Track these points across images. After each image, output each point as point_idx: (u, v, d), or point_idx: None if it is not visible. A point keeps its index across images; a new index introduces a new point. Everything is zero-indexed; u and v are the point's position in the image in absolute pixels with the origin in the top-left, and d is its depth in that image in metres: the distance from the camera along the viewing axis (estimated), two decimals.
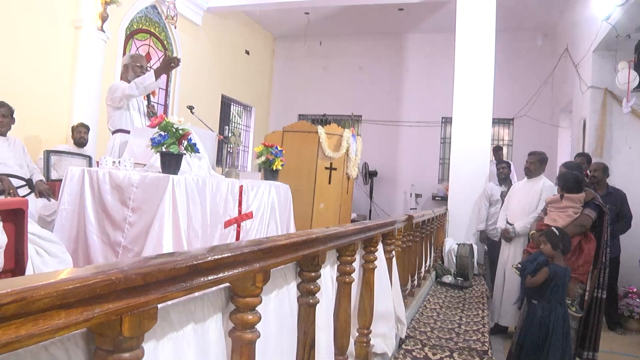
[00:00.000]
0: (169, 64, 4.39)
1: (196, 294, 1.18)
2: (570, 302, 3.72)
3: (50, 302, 0.68)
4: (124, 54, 7.20)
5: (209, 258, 1.06)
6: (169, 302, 1.08)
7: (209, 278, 1.08)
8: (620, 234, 5.43)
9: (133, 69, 4.44)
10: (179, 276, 0.97)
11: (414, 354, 3.21)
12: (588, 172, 5.46)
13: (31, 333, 0.66)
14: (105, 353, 0.87)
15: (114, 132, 4.41)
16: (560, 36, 9.41)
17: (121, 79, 4.49)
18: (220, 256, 1.10)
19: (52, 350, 0.82)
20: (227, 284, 1.31)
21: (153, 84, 4.22)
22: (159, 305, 0.96)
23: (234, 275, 1.19)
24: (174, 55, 8.69)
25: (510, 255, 5.07)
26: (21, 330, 0.65)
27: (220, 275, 1.12)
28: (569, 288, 3.70)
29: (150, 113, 4.61)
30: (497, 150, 8.20)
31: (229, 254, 1.14)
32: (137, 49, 7.85)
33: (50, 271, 0.80)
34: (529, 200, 5.04)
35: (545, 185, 5.03)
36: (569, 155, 8.02)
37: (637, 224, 5.65)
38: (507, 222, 5.20)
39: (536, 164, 5.13)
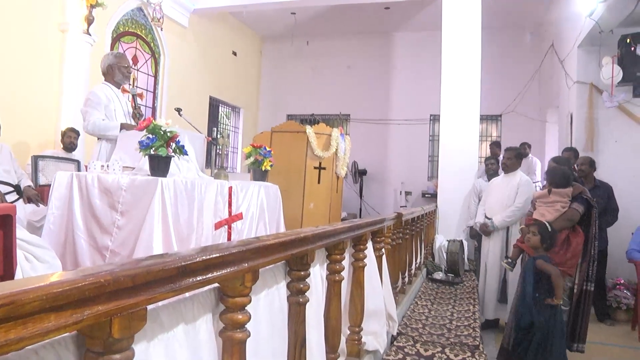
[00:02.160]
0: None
1: (186, 294, 1.19)
2: None
3: (39, 305, 0.69)
4: None
5: (197, 259, 1.08)
6: (159, 304, 1.09)
7: (198, 279, 1.09)
8: (607, 227, 5.51)
9: (120, 70, 4.36)
10: (167, 277, 0.98)
11: (405, 350, 3.23)
12: (575, 166, 5.52)
13: (21, 336, 0.67)
14: (95, 355, 0.88)
15: (99, 138, 4.36)
16: (546, 32, 9.49)
17: (107, 80, 4.39)
18: (208, 257, 1.11)
19: (42, 354, 0.83)
20: (217, 285, 1.32)
21: (108, 135, 4.15)
22: (149, 307, 0.97)
23: (223, 276, 1.20)
24: (161, 57, 8.66)
25: (490, 249, 5.19)
26: (10, 333, 0.66)
27: (209, 275, 1.13)
28: None
29: (137, 115, 4.56)
30: (494, 146, 8.23)
31: (217, 255, 1.15)
32: (124, 51, 7.82)
33: (39, 275, 0.81)
34: (507, 194, 5.19)
35: (522, 180, 5.19)
36: (557, 150, 8.09)
37: (624, 217, 5.73)
38: (486, 217, 5.30)
39: (512, 159, 5.28)
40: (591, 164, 5.59)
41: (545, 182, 5.51)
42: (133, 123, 4.47)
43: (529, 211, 4.59)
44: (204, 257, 1.09)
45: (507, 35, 10.10)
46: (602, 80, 6.28)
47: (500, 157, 8.12)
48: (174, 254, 1.06)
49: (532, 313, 3.55)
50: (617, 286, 5.77)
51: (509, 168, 5.29)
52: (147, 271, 0.91)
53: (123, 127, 4.09)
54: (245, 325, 1.33)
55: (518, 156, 5.32)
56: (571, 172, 4.36)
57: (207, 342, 1.30)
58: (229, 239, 3.80)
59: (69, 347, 0.89)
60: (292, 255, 1.61)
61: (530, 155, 8.33)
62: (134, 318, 0.91)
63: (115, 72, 4.33)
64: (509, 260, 4.33)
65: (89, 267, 0.89)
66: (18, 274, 1.97)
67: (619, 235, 5.81)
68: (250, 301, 1.34)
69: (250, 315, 1.34)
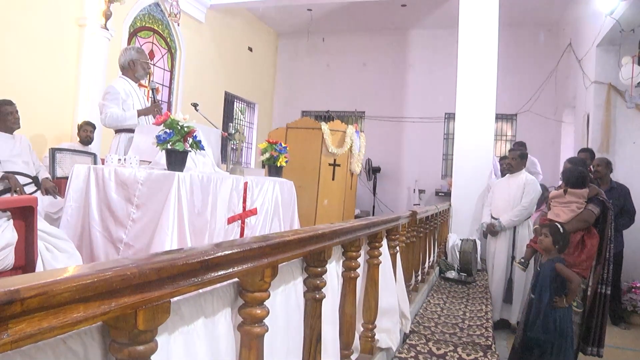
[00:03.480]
0: (153, 109, 4.29)
1: (206, 289, 1.21)
2: None
3: (70, 296, 0.71)
4: None
5: (219, 254, 1.09)
6: (180, 297, 1.11)
7: (219, 273, 1.11)
8: (623, 229, 5.44)
9: (142, 65, 4.38)
10: (190, 271, 1.00)
11: (418, 348, 3.23)
12: (591, 167, 5.47)
13: (53, 325, 0.69)
14: (120, 346, 0.90)
15: (117, 131, 4.40)
16: (564, 31, 9.39)
17: (125, 74, 4.40)
18: (230, 252, 1.13)
19: (69, 344, 0.85)
20: (236, 279, 1.33)
21: (130, 123, 4.15)
22: (172, 300, 0.99)
23: (243, 271, 1.21)
24: (177, 52, 8.72)
25: (497, 250, 5.21)
26: (43, 322, 0.68)
27: (230, 270, 1.15)
28: None
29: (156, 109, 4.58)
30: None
31: (239, 250, 1.16)
32: (141, 46, 7.87)
33: (68, 266, 0.83)
34: (513, 194, 5.27)
35: (527, 179, 5.29)
36: (572, 151, 8.02)
37: None
38: (492, 217, 5.32)
39: (517, 160, 5.41)
40: (607, 165, 5.54)
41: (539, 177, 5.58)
42: (151, 117, 4.50)
43: (543, 211, 4.57)
44: (225, 252, 1.11)
45: (524, 33, 10.00)
46: (621, 80, 6.21)
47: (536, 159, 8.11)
48: (196, 248, 1.07)
49: (546, 315, 3.53)
50: (633, 289, 5.71)
51: (514, 168, 5.40)
52: (171, 265, 0.93)
53: (140, 113, 4.13)
54: (264, 320, 1.35)
55: (522, 156, 5.43)
56: (587, 173, 4.33)
57: (225, 335, 1.32)
58: (241, 234, 3.83)
59: (94, 337, 0.91)
60: (309, 252, 1.62)
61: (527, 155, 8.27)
62: (158, 310, 0.92)
63: (137, 67, 4.36)
64: (522, 260, 4.32)
65: (116, 259, 0.90)
66: (39, 264, 2.00)
67: (635, 237, 5.75)
68: (269, 296, 1.36)
69: (268, 310, 1.35)
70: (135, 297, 0.85)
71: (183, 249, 1.06)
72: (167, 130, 3.18)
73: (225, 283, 1.30)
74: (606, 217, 4.01)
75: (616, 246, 4.61)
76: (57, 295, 0.69)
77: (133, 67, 4.34)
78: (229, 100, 10.49)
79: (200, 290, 1.21)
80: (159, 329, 0.97)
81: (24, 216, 1.97)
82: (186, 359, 1.14)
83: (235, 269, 1.16)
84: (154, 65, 8.22)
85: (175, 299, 1.04)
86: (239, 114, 11.14)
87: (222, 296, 1.32)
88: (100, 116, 4.20)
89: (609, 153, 6.51)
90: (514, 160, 5.37)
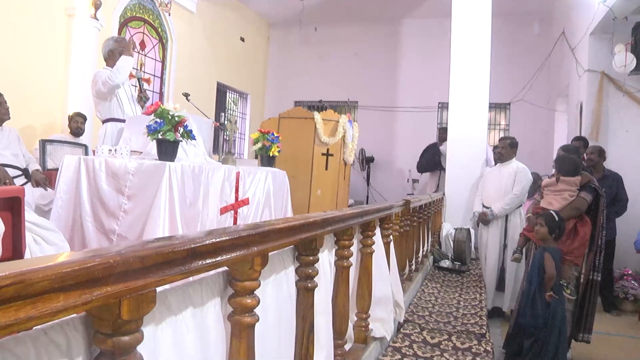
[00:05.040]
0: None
1: (194, 278, 1.18)
2: (565, 284, 3.74)
3: (48, 284, 0.68)
4: None
5: (207, 241, 1.06)
6: (168, 287, 1.08)
7: (207, 261, 1.08)
8: (616, 217, 5.47)
9: (121, 54, 4.38)
10: (177, 259, 0.97)
11: (412, 337, 3.23)
12: (585, 155, 5.48)
13: (30, 315, 0.66)
14: (104, 337, 0.87)
15: (104, 121, 4.37)
16: (557, 20, 9.36)
17: (107, 65, 4.40)
18: (218, 239, 1.10)
19: (51, 335, 0.83)
20: (225, 268, 1.31)
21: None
22: (158, 289, 0.96)
23: (232, 259, 1.19)
24: (169, 42, 8.64)
25: (489, 238, 5.23)
26: (20, 312, 0.65)
27: (218, 258, 1.12)
28: (564, 270, 3.72)
29: (144, 98, 4.56)
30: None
31: (227, 238, 1.14)
32: (132, 36, 7.79)
33: (49, 255, 0.80)
34: (504, 182, 5.33)
35: (518, 168, 5.34)
36: (566, 139, 8.02)
37: (633, 207, 5.68)
38: (484, 206, 5.34)
39: (507, 148, 5.46)
40: (600, 153, 5.56)
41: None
42: (138, 107, 4.48)
43: (536, 199, 4.57)
44: (213, 240, 1.08)
45: (517, 22, 9.97)
46: (614, 68, 6.20)
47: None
48: (183, 236, 1.05)
49: (534, 301, 3.55)
50: (625, 277, 5.75)
51: (504, 157, 5.45)
52: (156, 253, 0.90)
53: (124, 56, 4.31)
54: (254, 310, 1.33)
55: (512, 145, 5.47)
56: (580, 161, 4.32)
57: (215, 326, 1.30)
58: (234, 224, 3.80)
59: (77, 328, 0.88)
60: (301, 240, 1.60)
61: None
62: (143, 300, 0.90)
63: (117, 57, 4.35)
64: (517, 248, 4.32)
65: (98, 247, 0.88)
66: (27, 256, 1.97)
67: (627, 225, 5.77)
68: (259, 285, 1.33)
69: (259, 300, 1.33)
70: (119, 286, 0.82)
71: (169, 237, 1.03)
72: (158, 120, 3.15)
73: (214, 272, 1.28)
74: (598, 205, 4.02)
75: (608, 234, 4.62)
76: (35, 284, 0.66)
77: (113, 57, 4.34)
78: (222, 91, 10.43)
79: (191, 279, 1.19)
80: (145, 319, 0.95)
81: (11, 207, 1.94)
82: (175, 350, 1.12)
83: (224, 257, 1.14)
84: (145, 55, 8.14)
85: (162, 288, 1.02)
86: (232, 104, 11.08)
87: (211, 285, 1.29)
88: (104, 89, 4.20)
89: (600, 141, 6.52)
90: (504, 149, 5.42)
